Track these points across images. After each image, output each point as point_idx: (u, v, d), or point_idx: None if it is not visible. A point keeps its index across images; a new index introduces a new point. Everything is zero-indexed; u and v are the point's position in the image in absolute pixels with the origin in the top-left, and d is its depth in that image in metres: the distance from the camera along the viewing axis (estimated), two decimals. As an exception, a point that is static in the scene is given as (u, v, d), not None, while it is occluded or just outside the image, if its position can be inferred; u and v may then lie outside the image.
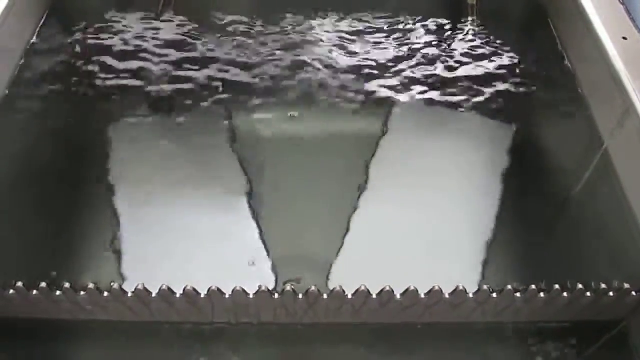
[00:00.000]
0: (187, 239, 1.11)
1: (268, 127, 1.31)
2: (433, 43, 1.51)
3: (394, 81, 1.41)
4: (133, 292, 0.90)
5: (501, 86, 1.41)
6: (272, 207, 1.16)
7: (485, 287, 0.91)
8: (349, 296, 0.91)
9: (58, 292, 0.90)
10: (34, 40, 1.42)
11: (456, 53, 1.49)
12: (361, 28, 1.55)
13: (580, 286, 0.92)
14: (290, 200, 1.17)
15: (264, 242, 1.10)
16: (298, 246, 1.10)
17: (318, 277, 1.05)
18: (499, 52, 1.49)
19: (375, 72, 1.43)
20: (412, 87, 1.40)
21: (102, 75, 1.39)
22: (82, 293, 0.90)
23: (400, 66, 1.45)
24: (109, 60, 1.43)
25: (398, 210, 1.17)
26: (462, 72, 1.44)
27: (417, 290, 0.90)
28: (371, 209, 1.16)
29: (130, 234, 1.10)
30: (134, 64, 1.42)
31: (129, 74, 1.40)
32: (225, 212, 1.16)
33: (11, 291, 0.91)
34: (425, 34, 1.54)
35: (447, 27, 1.56)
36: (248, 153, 1.25)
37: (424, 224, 1.15)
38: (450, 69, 1.45)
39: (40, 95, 1.35)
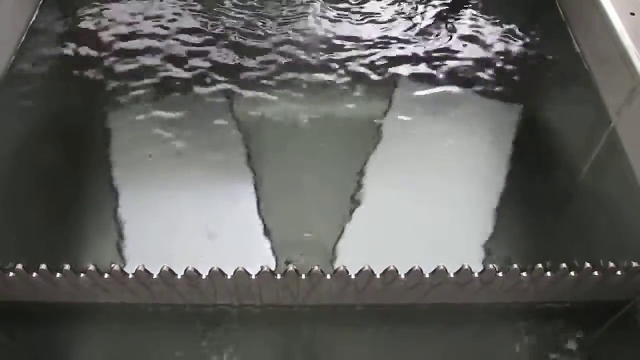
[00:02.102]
0: (189, 221, 1.10)
1: (271, 110, 1.30)
2: (435, 22, 1.49)
3: (397, 62, 1.39)
4: (134, 274, 0.89)
5: (505, 65, 1.38)
6: (275, 190, 1.15)
7: (491, 266, 0.90)
8: (353, 276, 0.90)
9: (58, 275, 0.90)
10: (34, 20, 1.41)
11: (459, 32, 1.46)
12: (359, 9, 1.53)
13: (587, 265, 0.91)
14: (293, 182, 1.16)
15: (266, 225, 1.09)
16: (301, 228, 1.09)
17: (321, 259, 1.04)
18: (503, 29, 1.47)
19: (377, 52, 1.41)
20: (416, 69, 1.38)
21: (103, 57, 1.38)
22: (83, 275, 0.89)
23: (403, 46, 1.43)
24: (111, 42, 1.41)
25: (402, 192, 1.16)
26: (465, 51, 1.42)
27: (421, 270, 0.89)
28: (375, 191, 1.15)
29: (131, 216, 1.09)
30: (136, 46, 1.41)
31: (131, 56, 1.38)
32: (227, 195, 1.15)
33: (11, 274, 0.90)
34: (428, 12, 1.52)
35: (450, 4, 1.53)
36: (251, 136, 1.24)
37: (428, 204, 1.13)
38: (453, 49, 1.42)
39: (40, 76, 1.34)
